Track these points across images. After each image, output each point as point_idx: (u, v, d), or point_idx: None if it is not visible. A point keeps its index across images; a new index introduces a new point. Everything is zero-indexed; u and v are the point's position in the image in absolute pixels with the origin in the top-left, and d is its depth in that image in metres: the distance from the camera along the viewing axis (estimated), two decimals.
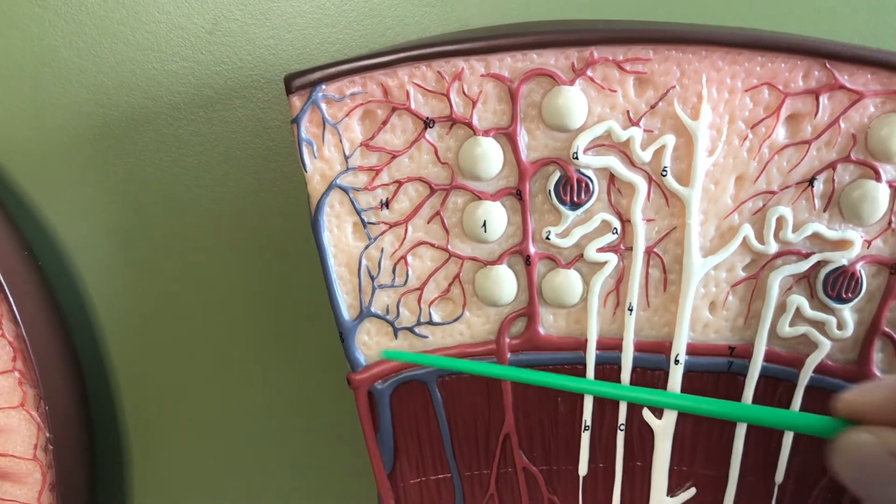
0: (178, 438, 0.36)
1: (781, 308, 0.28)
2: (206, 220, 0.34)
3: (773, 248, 0.28)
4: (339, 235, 0.28)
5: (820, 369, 0.29)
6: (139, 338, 0.35)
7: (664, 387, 0.29)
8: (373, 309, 0.29)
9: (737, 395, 0.29)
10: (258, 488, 0.37)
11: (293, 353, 0.35)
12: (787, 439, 0.29)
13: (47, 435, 0.30)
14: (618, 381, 0.29)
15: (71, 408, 0.32)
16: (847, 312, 0.28)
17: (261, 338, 0.35)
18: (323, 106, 0.27)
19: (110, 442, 0.36)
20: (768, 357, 0.29)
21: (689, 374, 0.29)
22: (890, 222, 0.27)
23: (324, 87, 0.27)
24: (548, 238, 0.28)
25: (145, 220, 0.34)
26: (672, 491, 0.30)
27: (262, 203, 0.34)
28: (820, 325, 0.28)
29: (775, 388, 0.29)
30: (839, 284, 0.28)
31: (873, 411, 0.23)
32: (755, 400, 0.29)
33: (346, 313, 0.29)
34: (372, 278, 0.29)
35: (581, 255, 0.28)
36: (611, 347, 0.29)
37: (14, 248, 0.31)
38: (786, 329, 0.28)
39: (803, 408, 0.29)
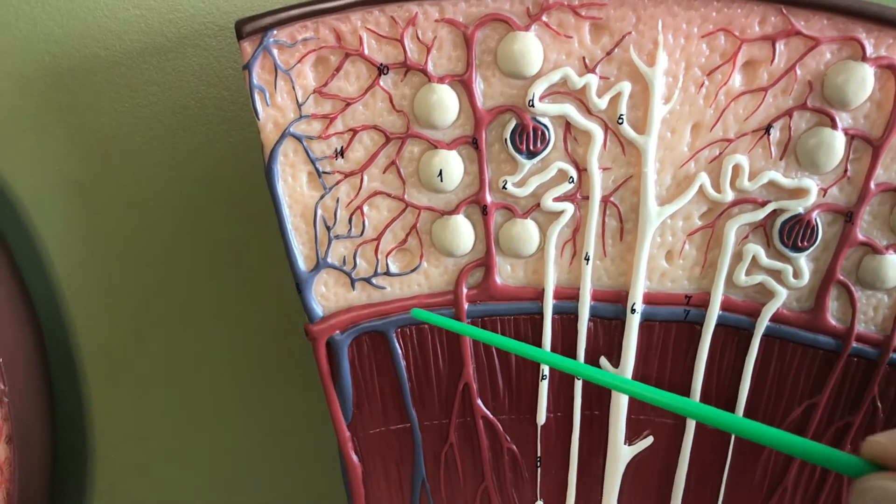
0: (137, 388, 0.37)
1: (738, 257, 0.29)
2: (161, 169, 0.34)
3: (729, 196, 0.29)
4: (293, 185, 0.29)
5: (776, 318, 0.30)
6: (95, 289, 0.36)
7: (621, 337, 0.30)
8: (329, 260, 0.30)
9: (694, 345, 0.30)
10: (218, 435, 0.38)
11: (251, 302, 0.36)
12: (745, 384, 0.30)
13: (1, 387, 0.31)
14: (575, 331, 0.30)
15: (28, 359, 0.32)
16: (803, 261, 0.29)
17: (218, 287, 0.36)
18: (274, 52, 0.27)
19: (70, 394, 0.37)
20: (725, 306, 0.30)
21: (645, 323, 0.30)
22: (845, 170, 0.28)
23: (275, 32, 0.27)
24: (504, 187, 0.29)
25: (98, 171, 0.34)
26: (630, 439, 0.31)
27: (217, 152, 0.34)
28: (776, 274, 0.29)
29: (732, 336, 0.30)
30: (795, 233, 0.29)
31: None
32: (712, 349, 0.30)
33: (303, 264, 0.30)
34: (328, 228, 0.29)
35: (538, 205, 0.29)
36: (568, 297, 0.30)
37: None
38: (742, 278, 0.29)
39: (760, 357, 0.30)
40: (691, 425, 0.31)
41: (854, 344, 0.30)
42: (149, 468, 0.38)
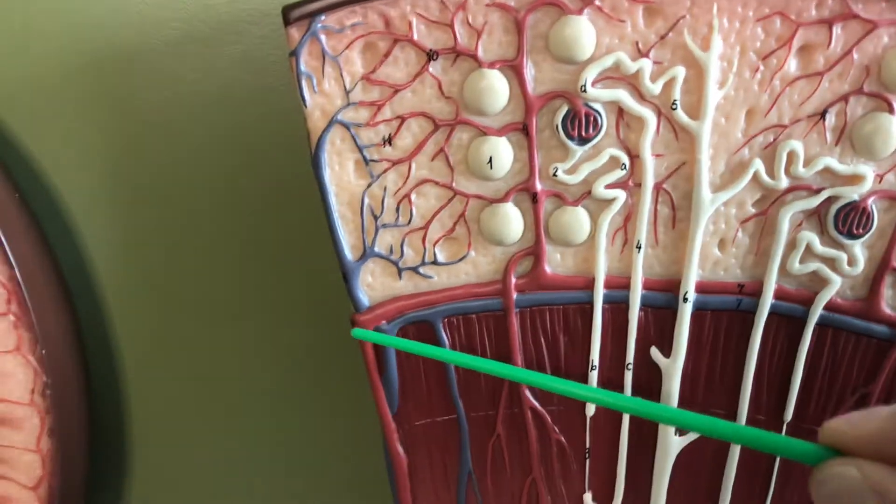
0: (175, 379, 0.37)
1: (791, 245, 0.29)
2: (201, 159, 0.34)
3: (783, 183, 0.28)
4: (340, 173, 0.29)
5: (830, 306, 0.29)
6: (134, 278, 0.36)
7: (672, 326, 0.30)
8: (376, 249, 0.30)
9: (746, 334, 0.30)
10: (259, 427, 0.38)
11: (293, 291, 0.36)
12: (798, 374, 0.30)
13: (45, 379, 0.31)
14: (626, 320, 0.30)
15: (67, 351, 0.32)
16: (858, 248, 0.29)
17: (259, 277, 0.36)
18: (322, 38, 0.27)
19: (107, 386, 0.37)
20: (778, 294, 0.29)
21: (697, 312, 0.30)
22: None
23: (323, 17, 0.27)
24: (555, 175, 0.28)
25: (138, 160, 0.34)
26: (680, 430, 0.31)
27: (261, 141, 0.34)
28: (830, 262, 0.29)
29: (784, 325, 0.30)
30: (850, 220, 0.28)
31: (860, 443, 0.23)
32: (764, 338, 0.30)
33: (349, 253, 0.30)
34: (375, 217, 0.29)
35: (589, 192, 0.29)
36: (619, 286, 0.30)
37: (4, 189, 0.31)
38: (796, 266, 0.29)
39: (812, 347, 0.30)
40: (742, 416, 0.31)
41: None
42: (187, 461, 0.38)
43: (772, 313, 0.30)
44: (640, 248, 0.29)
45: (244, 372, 0.37)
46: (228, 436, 0.38)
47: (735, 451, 0.31)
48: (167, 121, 0.34)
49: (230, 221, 0.35)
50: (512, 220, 0.29)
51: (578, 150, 0.28)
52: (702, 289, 0.30)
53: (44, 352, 0.31)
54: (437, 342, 0.31)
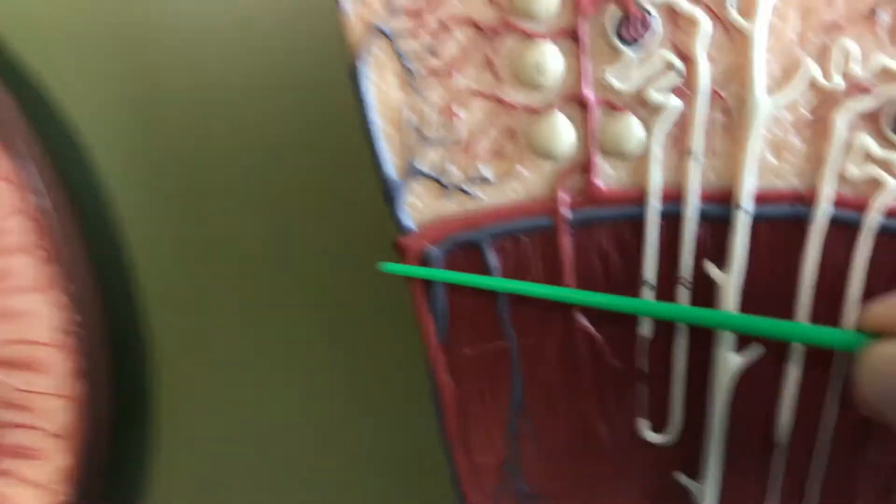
0: (196, 325, 0.35)
1: (847, 148, 0.28)
2: (227, 89, 0.32)
3: (838, 85, 0.28)
4: (381, 86, 0.27)
5: (889, 212, 0.29)
6: (153, 224, 0.34)
7: (728, 238, 0.29)
8: (420, 167, 0.28)
9: (802, 243, 0.29)
10: (290, 368, 0.36)
11: (326, 227, 0.34)
12: (856, 282, 0.29)
13: (75, 317, 0.29)
14: (680, 235, 0.29)
15: (91, 289, 0.30)
16: None
17: (288, 209, 0.34)
18: None
19: (127, 330, 0.35)
20: (835, 201, 0.29)
21: (753, 223, 0.29)
22: None
23: None
24: (606, 81, 0.27)
25: (159, 91, 0.32)
26: (739, 347, 0.30)
27: (295, 58, 0.32)
28: (887, 165, 0.28)
29: (841, 233, 0.29)
30: None
31: None
32: (821, 247, 0.29)
33: (393, 172, 0.28)
34: (419, 133, 0.28)
35: (642, 99, 0.28)
36: (673, 198, 0.29)
37: (23, 123, 0.29)
38: (853, 170, 0.28)
39: (873, 255, 0.29)
40: None
41: None
42: (216, 411, 0.36)
43: (829, 221, 0.29)
44: (694, 156, 0.28)
45: (278, 317, 0.35)
46: (264, 379, 0.36)
47: (792, 373, 0.30)
48: (187, 50, 0.32)
49: (261, 153, 0.33)
50: (562, 131, 0.28)
51: (630, 55, 0.27)
52: (758, 198, 0.29)
53: (73, 287, 0.29)
54: (486, 266, 0.29)
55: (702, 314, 0.29)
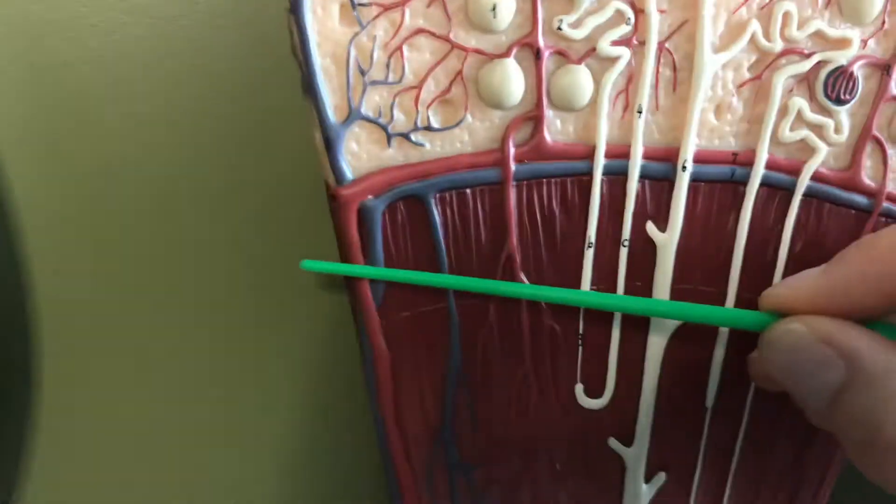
0: (88, 318, 0.31)
1: (783, 111, 0.29)
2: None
3: (778, 45, 0.28)
4: (324, 19, 0.25)
5: (816, 176, 0.29)
6: (49, 202, 0.30)
7: (669, 199, 0.29)
8: (363, 110, 0.26)
9: (737, 206, 0.29)
10: (179, 373, 0.33)
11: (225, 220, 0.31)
12: (784, 246, 0.30)
13: None
14: (623, 193, 0.29)
15: None
16: (844, 115, 0.29)
17: (192, 200, 0.31)
18: None
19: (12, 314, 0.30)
20: (769, 164, 0.29)
21: (693, 184, 0.29)
22: (883, 22, 0.28)
23: None
24: (560, 28, 0.26)
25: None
26: None
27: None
28: (818, 129, 0.29)
29: (773, 197, 0.30)
30: (839, 85, 0.28)
31: (800, 302, 0.25)
32: (755, 210, 0.29)
33: (333, 115, 0.26)
34: (362, 73, 0.26)
35: (593, 50, 0.27)
36: (618, 155, 0.28)
37: None
38: (787, 133, 0.29)
39: (798, 218, 0.30)
40: (732, 295, 0.30)
41: (884, 203, 0.30)
42: (102, 407, 0.32)
43: (762, 184, 0.29)
44: (641, 112, 0.28)
45: (167, 308, 0.32)
46: (145, 378, 0.32)
47: (721, 340, 0.31)
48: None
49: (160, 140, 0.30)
50: (513, 78, 0.27)
51: (584, 2, 0.26)
52: (699, 158, 0.29)
53: None
54: (428, 220, 0.28)
55: (627, 302, 0.29)
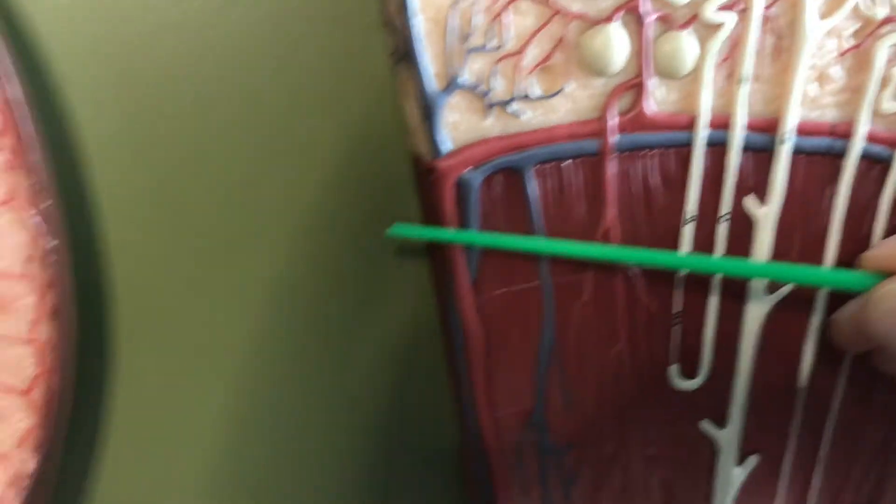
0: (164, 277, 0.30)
1: (884, 81, 0.28)
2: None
3: (881, 12, 0.27)
4: None
5: None
6: (124, 163, 0.28)
7: (768, 171, 0.28)
8: (463, 78, 0.25)
9: (835, 178, 0.28)
10: (257, 310, 0.31)
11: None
12: (881, 220, 0.29)
13: (49, 243, 0.23)
14: (724, 165, 0.28)
15: (64, 208, 0.25)
16: None
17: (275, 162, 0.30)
18: None
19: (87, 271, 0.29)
20: (869, 136, 0.28)
21: (792, 156, 0.28)
22: None
23: None
24: None
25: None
26: (771, 291, 0.29)
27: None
28: None
29: (871, 170, 0.29)
30: None
31: None
32: (853, 183, 0.29)
33: (433, 83, 0.25)
34: (463, 40, 0.25)
35: (696, 16, 0.26)
36: (720, 125, 0.27)
37: None
38: (886, 105, 0.28)
39: None
40: (828, 265, 0.29)
41: None
42: (175, 348, 0.30)
43: (861, 157, 0.28)
44: (743, 81, 0.27)
45: (243, 267, 0.30)
46: (220, 340, 0.30)
47: (815, 316, 0.30)
48: None
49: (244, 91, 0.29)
50: (616, 44, 0.26)
51: None
52: (798, 130, 0.28)
53: (48, 203, 0.23)
54: (525, 193, 0.27)
55: (727, 265, 0.28)
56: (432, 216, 0.27)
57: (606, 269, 0.28)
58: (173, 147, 0.29)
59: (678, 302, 0.29)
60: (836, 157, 0.29)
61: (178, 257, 0.29)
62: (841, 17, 0.27)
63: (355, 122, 0.29)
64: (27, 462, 0.24)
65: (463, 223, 0.27)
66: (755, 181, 0.28)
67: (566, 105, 0.26)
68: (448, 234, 0.26)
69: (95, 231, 0.28)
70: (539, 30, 0.25)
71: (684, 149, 0.27)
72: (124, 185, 0.28)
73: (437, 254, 0.28)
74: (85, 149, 0.28)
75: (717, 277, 0.29)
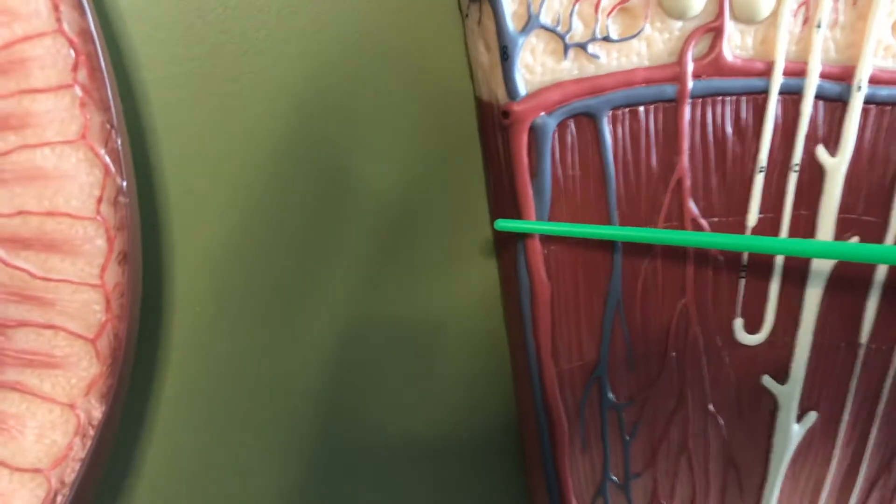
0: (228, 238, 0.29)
1: None
2: None
3: None
4: None
5: None
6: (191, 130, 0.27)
7: (841, 121, 0.27)
8: (542, 19, 0.25)
9: None
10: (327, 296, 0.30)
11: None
12: None
13: (120, 183, 0.22)
14: (797, 113, 0.27)
15: (133, 147, 0.24)
16: None
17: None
18: None
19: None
20: None
21: (864, 106, 0.27)
22: None
23: None
24: None
25: None
26: (837, 239, 0.29)
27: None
28: None
29: None
30: None
31: None
32: None
33: (511, 22, 0.24)
34: None
35: None
36: (795, 73, 0.27)
37: None
38: None
39: None
40: (894, 222, 0.29)
41: None
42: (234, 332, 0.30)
43: None
44: (820, 27, 0.26)
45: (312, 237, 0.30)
46: (285, 298, 0.30)
47: (879, 276, 0.29)
48: None
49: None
50: None
51: None
52: (872, 79, 0.27)
53: (119, 142, 0.22)
54: (599, 139, 0.26)
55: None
56: (499, 165, 0.27)
57: (678, 217, 0.27)
58: (254, 128, 0.28)
59: (746, 255, 0.28)
60: None
61: (243, 211, 0.29)
62: None
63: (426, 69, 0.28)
64: (94, 410, 0.23)
65: (534, 170, 0.26)
66: (828, 131, 0.28)
67: (643, 48, 0.26)
68: (554, 227, 0.26)
69: (156, 178, 0.27)
70: None
71: (759, 96, 0.27)
72: (191, 157, 0.27)
73: (505, 209, 0.27)
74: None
75: (785, 229, 0.28)
